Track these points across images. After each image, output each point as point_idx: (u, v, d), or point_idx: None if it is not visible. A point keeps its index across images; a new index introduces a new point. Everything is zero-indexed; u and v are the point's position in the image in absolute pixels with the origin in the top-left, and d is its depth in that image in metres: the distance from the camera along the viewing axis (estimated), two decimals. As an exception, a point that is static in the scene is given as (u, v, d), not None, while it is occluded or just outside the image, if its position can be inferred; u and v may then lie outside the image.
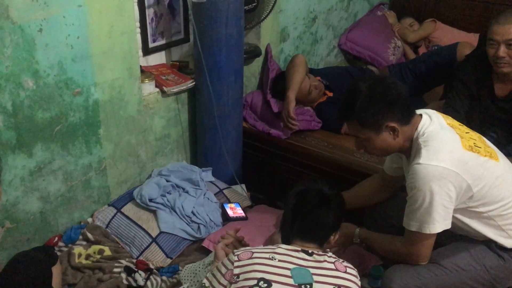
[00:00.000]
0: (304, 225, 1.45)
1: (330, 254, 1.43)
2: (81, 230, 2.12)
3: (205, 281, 1.42)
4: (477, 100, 2.25)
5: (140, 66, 2.23)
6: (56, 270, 1.65)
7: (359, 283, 1.42)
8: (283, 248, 1.41)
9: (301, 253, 1.40)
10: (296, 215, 1.46)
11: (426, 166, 1.52)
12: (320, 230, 1.45)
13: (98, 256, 2.03)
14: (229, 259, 1.40)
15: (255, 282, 1.32)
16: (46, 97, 1.86)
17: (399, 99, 1.58)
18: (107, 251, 2.06)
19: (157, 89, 2.33)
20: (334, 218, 1.46)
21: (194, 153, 2.63)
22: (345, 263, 1.43)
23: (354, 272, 1.43)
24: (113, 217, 2.20)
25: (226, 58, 2.26)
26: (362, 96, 1.58)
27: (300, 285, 1.33)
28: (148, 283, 1.93)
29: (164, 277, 1.99)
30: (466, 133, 1.66)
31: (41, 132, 1.90)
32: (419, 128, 1.63)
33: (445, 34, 3.56)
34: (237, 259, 1.38)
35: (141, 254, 2.09)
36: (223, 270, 1.39)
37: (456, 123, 1.70)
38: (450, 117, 1.72)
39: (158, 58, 2.48)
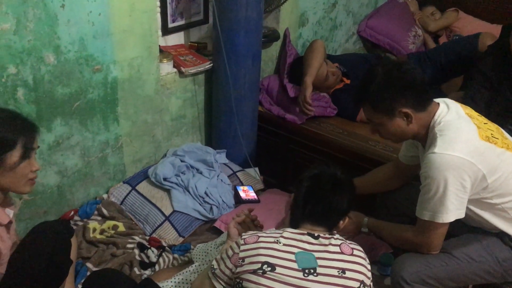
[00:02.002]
0: (316, 209, 1.44)
1: (336, 236, 1.43)
2: (96, 205, 2.16)
3: (214, 262, 1.44)
4: (497, 92, 2.22)
5: (159, 46, 2.24)
6: (72, 243, 1.69)
7: (367, 264, 1.41)
8: (289, 232, 1.41)
9: (306, 236, 1.40)
10: (308, 198, 1.46)
11: (441, 155, 1.52)
12: (332, 215, 1.45)
13: (112, 232, 2.07)
14: (236, 243, 1.41)
15: (259, 265, 1.33)
16: (67, 73, 1.88)
17: (414, 85, 1.57)
18: (121, 227, 2.09)
19: (175, 70, 2.34)
20: (347, 203, 1.46)
21: (209, 135, 2.65)
22: (352, 245, 1.43)
23: (362, 254, 1.42)
24: (127, 194, 2.23)
25: (245, 41, 2.26)
26: (377, 80, 1.58)
27: (304, 269, 1.33)
28: (160, 260, 1.97)
29: (176, 255, 2.02)
30: (484, 123, 1.65)
31: (61, 108, 1.92)
32: (435, 117, 1.61)
33: (467, 24, 3.50)
34: (243, 242, 1.40)
35: (154, 231, 2.13)
36: (230, 253, 1.40)
37: (474, 113, 1.68)
38: (469, 107, 1.70)
39: (177, 39, 2.48)
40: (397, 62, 1.74)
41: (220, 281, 1.41)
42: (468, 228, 1.74)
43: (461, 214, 1.57)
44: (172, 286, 1.72)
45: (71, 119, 1.98)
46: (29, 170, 1.43)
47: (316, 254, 1.37)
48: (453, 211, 1.54)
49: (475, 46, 2.65)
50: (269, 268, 1.33)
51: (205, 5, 2.47)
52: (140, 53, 2.11)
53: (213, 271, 1.42)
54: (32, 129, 1.44)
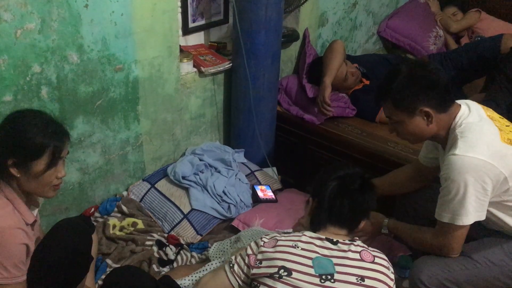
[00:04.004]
0: (344, 209, 1.42)
1: (357, 242, 1.40)
2: (116, 202, 2.19)
3: (232, 257, 1.44)
4: (519, 94, 2.19)
5: (179, 45, 2.26)
6: (93, 239, 1.71)
7: (390, 273, 1.38)
8: (307, 236, 1.40)
9: (325, 241, 1.38)
10: (335, 199, 1.43)
11: (462, 157, 1.50)
12: (360, 214, 1.44)
13: (132, 229, 2.09)
14: (256, 243, 1.41)
15: (275, 270, 1.33)
16: (89, 72, 1.91)
17: (437, 85, 1.56)
18: (140, 224, 2.12)
19: (195, 69, 2.36)
20: (375, 202, 1.45)
21: (228, 134, 2.66)
22: (375, 252, 1.40)
23: (385, 262, 1.39)
24: (147, 192, 2.26)
25: (264, 41, 2.27)
26: (401, 76, 1.57)
27: (321, 275, 1.32)
28: (178, 257, 1.99)
29: (193, 253, 2.04)
30: (506, 126, 1.62)
31: (83, 106, 1.96)
32: (457, 119, 1.60)
33: (490, 25, 3.45)
34: (262, 244, 1.39)
35: (172, 229, 2.15)
36: (249, 251, 1.41)
37: (496, 115, 1.66)
38: (490, 109, 1.68)
39: (197, 38, 2.50)
40: (422, 61, 1.73)
41: (236, 278, 1.41)
42: (488, 232, 1.72)
43: (481, 217, 1.55)
44: (189, 284, 1.74)
45: (93, 117, 2.01)
46: (55, 177, 1.41)
47: (335, 260, 1.35)
48: (473, 213, 1.53)
49: (497, 48, 2.61)
50: (286, 273, 1.32)
51: (225, 5, 2.49)
52: (160, 52, 2.13)
53: (231, 265, 1.42)
54: (63, 138, 1.41)
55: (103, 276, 1.82)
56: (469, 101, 1.68)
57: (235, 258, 1.43)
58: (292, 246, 1.37)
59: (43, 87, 1.80)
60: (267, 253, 1.37)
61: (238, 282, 1.41)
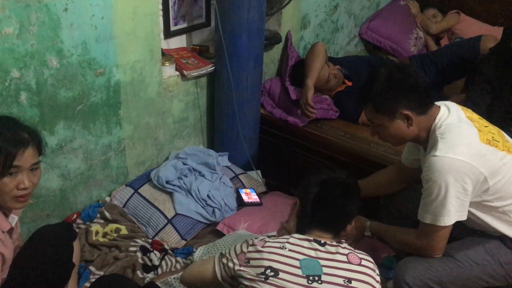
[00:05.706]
0: (326, 214, 1.44)
1: (344, 245, 1.42)
2: (99, 208, 2.17)
3: (226, 250, 1.45)
4: (498, 95, 2.22)
5: (161, 49, 2.25)
6: (75, 246, 1.69)
7: (376, 275, 1.40)
8: (295, 238, 1.41)
9: (313, 243, 1.39)
10: (318, 204, 1.45)
11: (442, 158, 1.52)
12: (343, 220, 1.46)
13: (115, 235, 2.07)
14: (246, 242, 1.42)
15: (262, 270, 1.34)
16: (69, 77, 1.89)
17: (416, 88, 1.58)
18: (124, 230, 2.10)
19: (177, 73, 2.35)
20: (356, 207, 1.47)
21: (211, 138, 2.65)
22: (361, 255, 1.42)
23: (371, 264, 1.41)
24: (130, 197, 2.23)
25: (247, 44, 2.27)
26: (380, 80, 1.59)
27: (308, 276, 1.33)
28: (163, 263, 1.97)
29: (178, 258, 2.02)
30: (485, 126, 1.65)
31: (64, 111, 1.93)
32: (436, 120, 1.62)
33: (469, 27, 3.51)
34: (252, 243, 1.40)
35: (156, 234, 2.13)
36: (238, 250, 1.42)
37: (475, 116, 1.68)
38: (469, 110, 1.71)
39: (179, 42, 2.49)
40: (400, 65, 1.75)
41: (221, 269, 1.41)
42: (470, 231, 1.74)
43: (462, 216, 1.57)
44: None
45: (74, 122, 1.98)
46: (13, 187, 1.31)
47: (322, 262, 1.36)
48: (454, 213, 1.54)
49: (476, 49, 2.65)
50: (272, 273, 1.33)
51: (207, 8, 2.48)
52: (142, 56, 2.11)
53: (220, 257, 1.43)
54: (16, 146, 1.29)
55: (87, 284, 1.80)
56: (448, 103, 1.70)
57: (229, 252, 1.44)
58: (279, 247, 1.38)
59: (22, 93, 1.77)
60: (256, 252, 1.38)
61: (221, 273, 1.42)
